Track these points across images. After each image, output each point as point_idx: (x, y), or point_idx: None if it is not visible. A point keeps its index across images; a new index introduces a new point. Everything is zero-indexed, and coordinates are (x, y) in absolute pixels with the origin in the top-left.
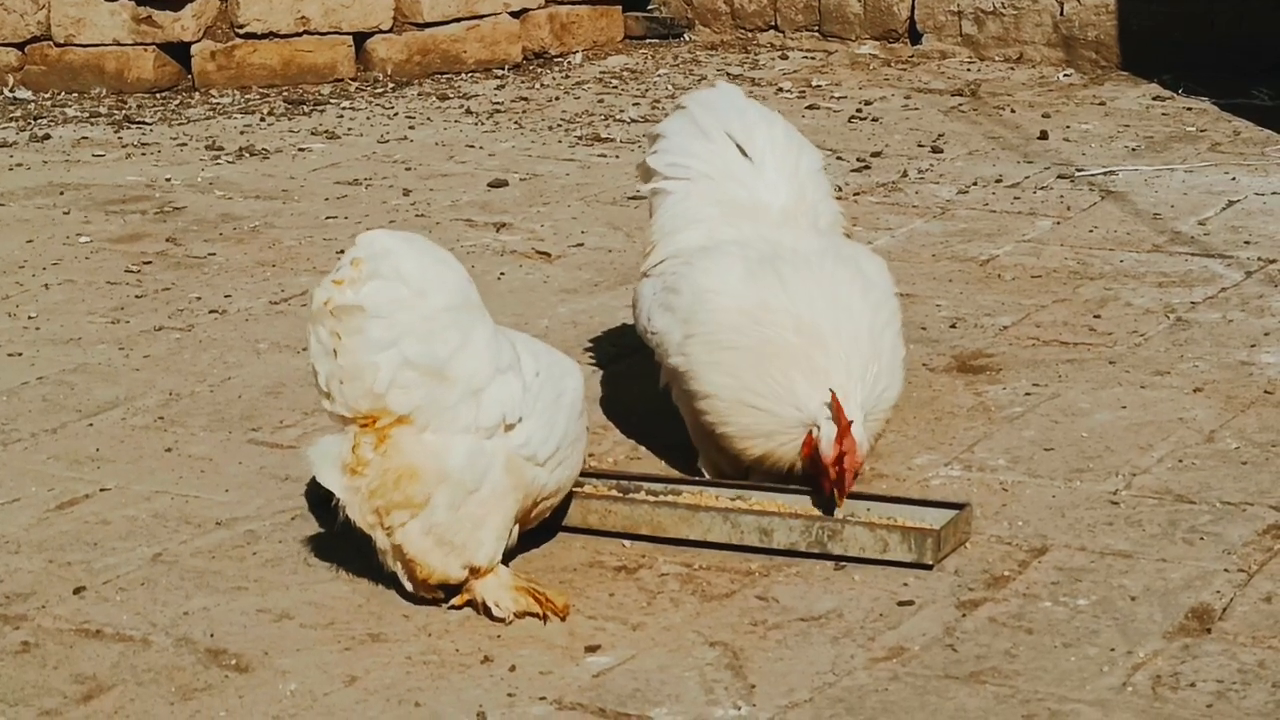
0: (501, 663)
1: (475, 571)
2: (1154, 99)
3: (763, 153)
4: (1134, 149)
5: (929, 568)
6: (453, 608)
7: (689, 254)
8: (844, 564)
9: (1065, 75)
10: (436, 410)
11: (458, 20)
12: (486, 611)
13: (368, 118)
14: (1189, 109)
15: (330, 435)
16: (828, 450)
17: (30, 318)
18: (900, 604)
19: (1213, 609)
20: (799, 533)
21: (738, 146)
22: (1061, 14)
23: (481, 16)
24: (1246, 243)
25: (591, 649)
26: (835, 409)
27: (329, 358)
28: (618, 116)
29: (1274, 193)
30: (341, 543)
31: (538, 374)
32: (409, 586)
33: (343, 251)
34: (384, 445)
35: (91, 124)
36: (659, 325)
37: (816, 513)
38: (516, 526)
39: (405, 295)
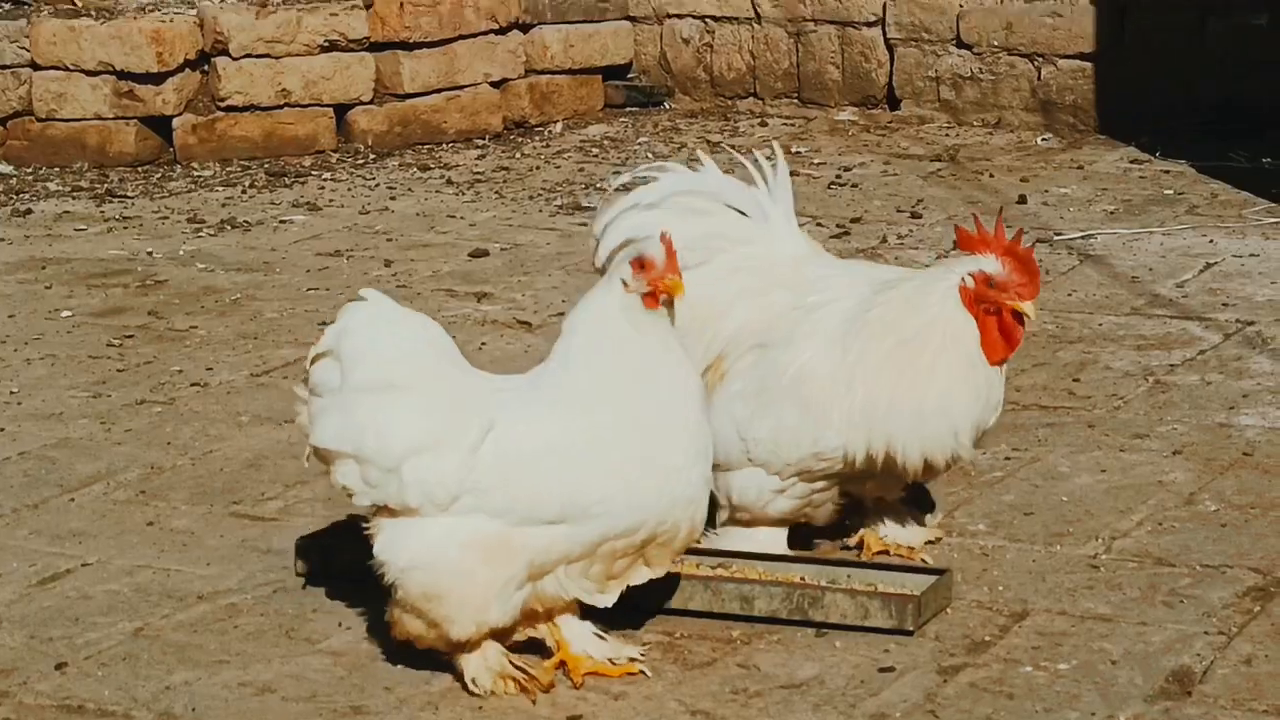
0: None
1: (457, 645)
2: (1132, 162)
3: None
4: (1112, 212)
5: (910, 634)
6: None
7: (764, 339)
8: (825, 631)
9: (1043, 140)
10: (363, 488)
11: (438, 91)
12: (464, 685)
13: (349, 189)
14: (1166, 172)
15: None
16: (998, 268)
17: (12, 393)
18: (881, 670)
19: (1193, 671)
20: (780, 600)
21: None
22: (1039, 79)
23: (462, 87)
24: (1225, 305)
25: (574, 719)
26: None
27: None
28: (598, 185)
29: (1252, 255)
30: (324, 615)
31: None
32: None
33: (325, 323)
34: None
35: (73, 198)
36: (764, 429)
37: (797, 579)
38: (524, 590)
39: (336, 376)
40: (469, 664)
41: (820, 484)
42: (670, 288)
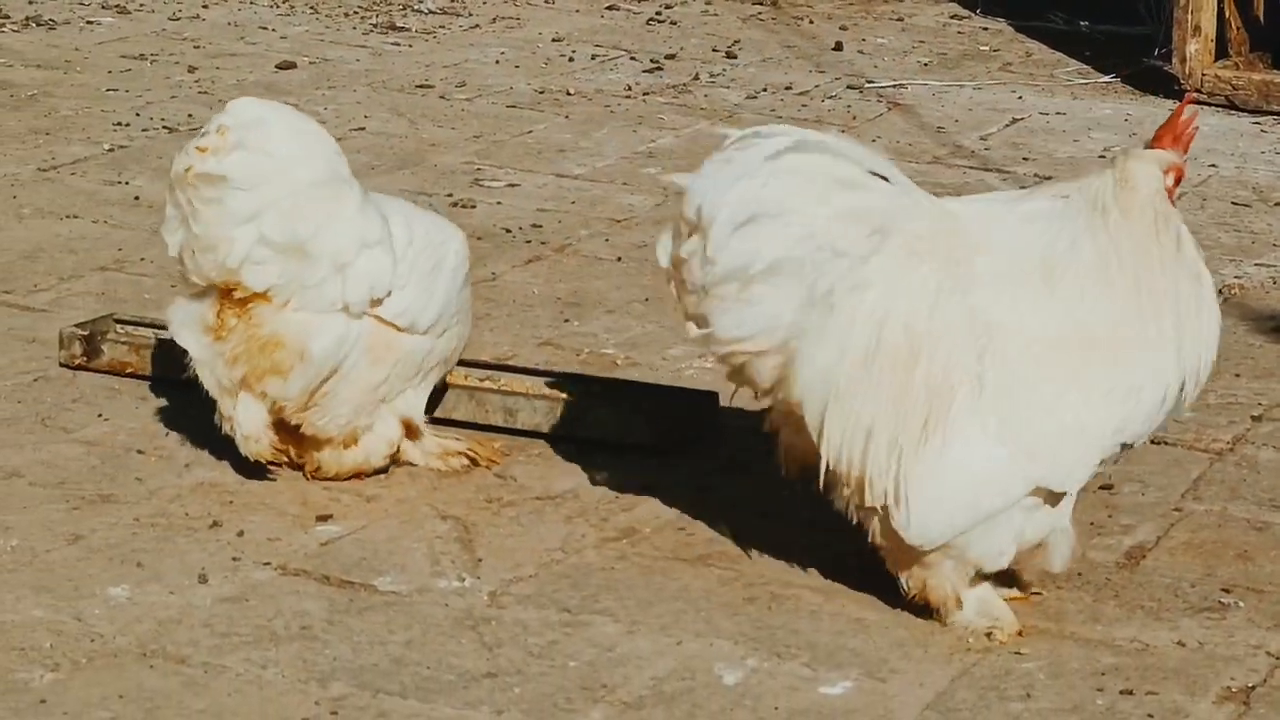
0: (230, 528)
1: (328, 442)
2: (952, 17)
3: None
4: (926, 64)
5: (669, 452)
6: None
7: None
8: (587, 446)
9: None
10: (298, 288)
11: None
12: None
13: None
14: (985, 28)
15: (189, 299)
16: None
17: None
18: (639, 487)
19: None
20: (543, 414)
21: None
22: None
23: None
24: (1025, 159)
25: (323, 518)
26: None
27: (183, 227)
28: (416, 6)
29: (1058, 113)
30: (83, 406)
31: (411, 243)
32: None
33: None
34: (246, 316)
35: None
36: None
37: (563, 395)
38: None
39: (270, 168)
40: (411, 454)
41: None
42: None
